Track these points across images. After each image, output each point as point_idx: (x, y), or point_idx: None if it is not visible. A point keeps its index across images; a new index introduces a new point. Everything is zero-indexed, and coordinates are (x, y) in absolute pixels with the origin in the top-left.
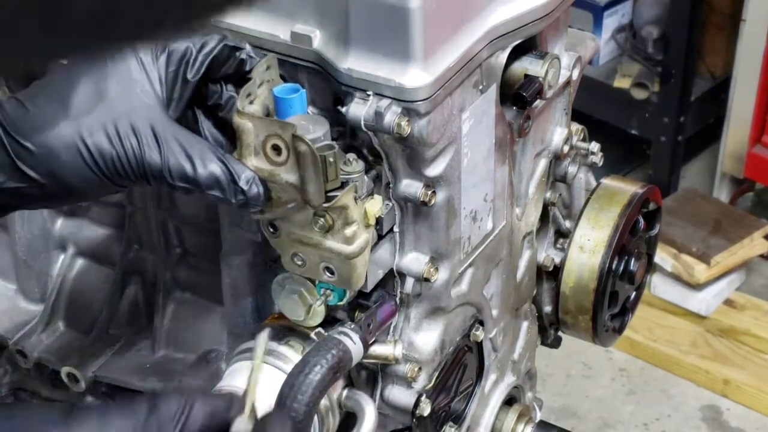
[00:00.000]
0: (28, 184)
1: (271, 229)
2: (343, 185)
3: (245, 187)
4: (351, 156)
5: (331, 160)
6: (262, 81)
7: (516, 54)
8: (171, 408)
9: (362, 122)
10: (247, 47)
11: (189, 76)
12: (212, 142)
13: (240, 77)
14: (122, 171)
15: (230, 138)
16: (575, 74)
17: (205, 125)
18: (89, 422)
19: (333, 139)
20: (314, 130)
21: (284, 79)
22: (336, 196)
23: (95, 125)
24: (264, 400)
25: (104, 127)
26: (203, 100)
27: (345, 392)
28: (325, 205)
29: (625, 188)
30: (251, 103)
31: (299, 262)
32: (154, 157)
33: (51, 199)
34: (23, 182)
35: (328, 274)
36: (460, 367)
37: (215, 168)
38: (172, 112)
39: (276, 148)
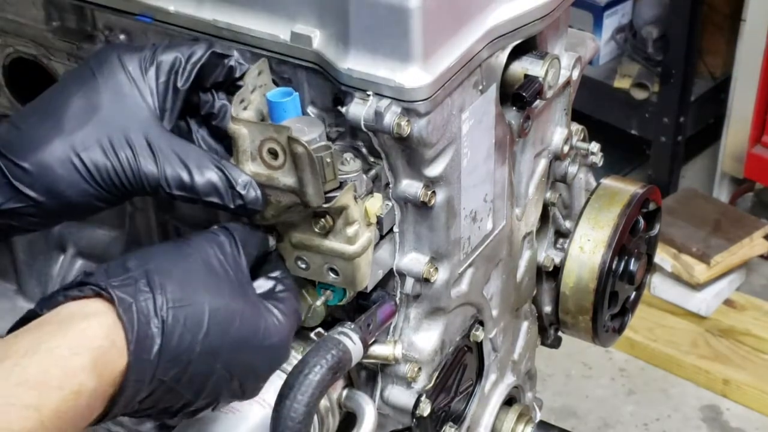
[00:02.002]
0: (26, 203)
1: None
2: (341, 185)
3: (243, 192)
4: (348, 155)
5: (328, 160)
6: (254, 87)
7: (516, 54)
8: (239, 233)
9: (362, 122)
10: (236, 54)
11: (179, 84)
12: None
13: (230, 84)
14: (119, 183)
15: (225, 146)
16: (575, 74)
17: (200, 135)
18: (198, 242)
19: (332, 140)
20: (309, 131)
21: (276, 84)
22: (335, 196)
23: (89, 140)
24: (265, 400)
25: (98, 141)
26: (196, 110)
27: (345, 392)
28: (325, 205)
29: (625, 188)
30: (245, 109)
31: (303, 266)
32: (150, 167)
33: (50, 217)
34: (21, 202)
35: (332, 275)
36: (460, 367)
37: (212, 175)
38: (166, 123)
39: (272, 152)
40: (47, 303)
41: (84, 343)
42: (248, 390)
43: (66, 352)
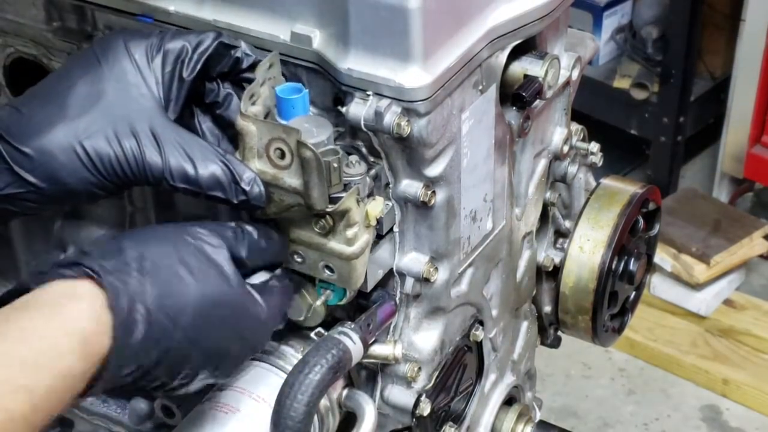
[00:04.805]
0: (26, 189)
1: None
2: (345, 187)
3: (247, 188)
4: (353, 158)
5: (335, 165)
6: (264, 80)
7: (516, 54)
8: (250, 233)
9: (362, 122)
10: (243, 45)
11: (185, 75)
12: (210, 139)
13: (236, 75)
14: (121, 173)
15: (229, 135)
16: (575, 74)
17: (203, 123)
18: (201, 232)
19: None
20: (318, 133)
21: (285, 77)
22: (339, 198)
23: (92, 127)
24: (265, 399)
25: (102, 129)
26: (200, 98)
27: (345, 392)
28: (329, 209)
29: (625, 188)
30: (254, 103)
31: (299, 260)
32: (155, 159)
33: (50, 204)
34: (22, 188)
35: (327, 272)
36: (460, 367)
37: (216, 168)
38: (171, 113)
39: (280, 152)
40: (38, 278)
41: (74, 326)
42: (222, 374)
43: (57, 334)
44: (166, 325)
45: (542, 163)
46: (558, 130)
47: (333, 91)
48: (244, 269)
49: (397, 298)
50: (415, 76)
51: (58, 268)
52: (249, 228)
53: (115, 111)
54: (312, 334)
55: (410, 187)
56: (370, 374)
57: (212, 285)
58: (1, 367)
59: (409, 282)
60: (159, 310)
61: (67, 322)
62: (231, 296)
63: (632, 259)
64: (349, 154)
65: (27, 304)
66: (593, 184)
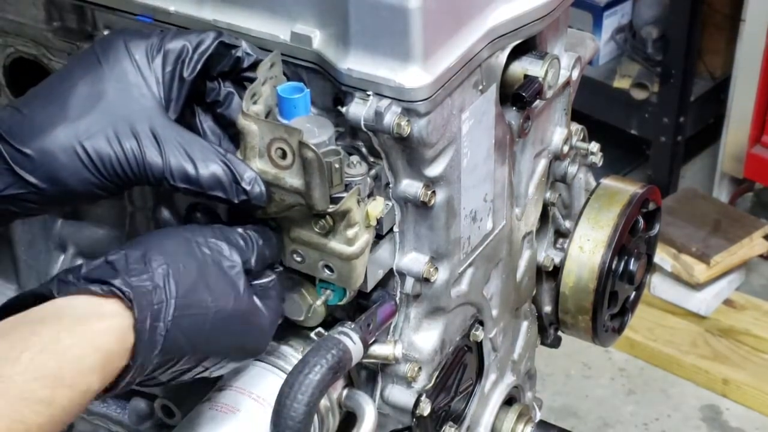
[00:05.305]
0: (27, 189)
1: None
2: (346, 188)
3: (248, 187)
4: (354, 158)
5: (337, 165)
6: (265, 79)
7: (516, 54)
8: (259, 246)
9: (362, 122)
10: (244, 44)
11: (185, 74)
12: (211, 138)
13: (237, 74)
14: (122, 173)
15: (230, 135)
16: (575, 74)
17: (204, 122)
18: (218, 244)
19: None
20: (319, 133)
21: (287, 77)
22: (340, 198)
23: (93, 128)
24: (265, 399)
25: (103, 129)
26: (201, 97)
27: (345, 392)
28: (330, 209)
29: (625, 188)
30: (255, 103)
31: (298, 259)
32: (155, 159)
33: (51, 204)
34: (23, 188)
35: (327, 272)
36: (460, 366)
37: (217, 168)
38: (172, 112)
39: (281, 152)
40: (63, 288)
41: (97, 345)
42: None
43: (80, 352)
44: (181, 341)
45: (542, 163)
46: (558, 130)
47: (333, 91)
48: (249, 277)
49: (397, 298)
50: (415, 76)
51: (87, 283)
52: (254, 235)
53: (116, 111)
54: (312, 334)
55: (410, 187)
56: (370, 374)
57: (227, 302)
58: (23, 378)
59: (409, 282)
60: (177, 329)
61: (91, 342)
62: (241, 311)
63: (632, 259)
64: (350, 154)
65: (51, 314)
66: (593, 184)
